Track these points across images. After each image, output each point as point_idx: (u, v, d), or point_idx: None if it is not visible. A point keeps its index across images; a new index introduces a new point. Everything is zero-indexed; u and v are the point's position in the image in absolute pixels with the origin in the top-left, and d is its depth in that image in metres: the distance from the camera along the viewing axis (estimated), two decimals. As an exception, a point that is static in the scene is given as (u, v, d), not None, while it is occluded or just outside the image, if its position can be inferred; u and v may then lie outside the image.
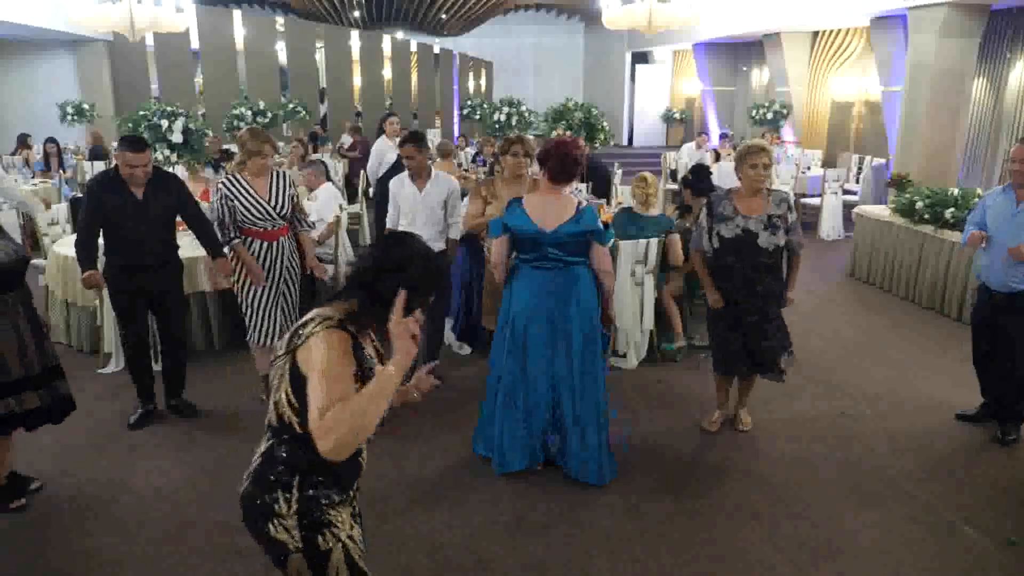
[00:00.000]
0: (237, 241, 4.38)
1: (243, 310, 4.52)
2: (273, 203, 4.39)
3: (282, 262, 4.49)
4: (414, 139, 4.79)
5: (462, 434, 4.29)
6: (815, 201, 10.65)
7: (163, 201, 4.20)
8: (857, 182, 11.40)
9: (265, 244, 4.43)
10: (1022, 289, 4.02)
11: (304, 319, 1.90)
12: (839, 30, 13.49)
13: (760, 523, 3.45)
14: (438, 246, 4.81)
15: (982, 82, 10.47)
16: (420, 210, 4.74)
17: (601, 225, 3.71)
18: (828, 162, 13.15)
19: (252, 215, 4.35)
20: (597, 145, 8.09)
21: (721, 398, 4.41)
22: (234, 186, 4.35)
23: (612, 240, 4.17)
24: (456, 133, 17.95)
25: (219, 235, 4.37)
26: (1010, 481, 3.85)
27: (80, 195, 8.68)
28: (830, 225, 10.27)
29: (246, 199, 4.34)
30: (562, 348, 3.67)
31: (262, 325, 4.50)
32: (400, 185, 4.81)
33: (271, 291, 4.48)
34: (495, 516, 3.49)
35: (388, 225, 4.91)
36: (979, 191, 6.89)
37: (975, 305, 4.48)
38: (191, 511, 3.53)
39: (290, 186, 4.51)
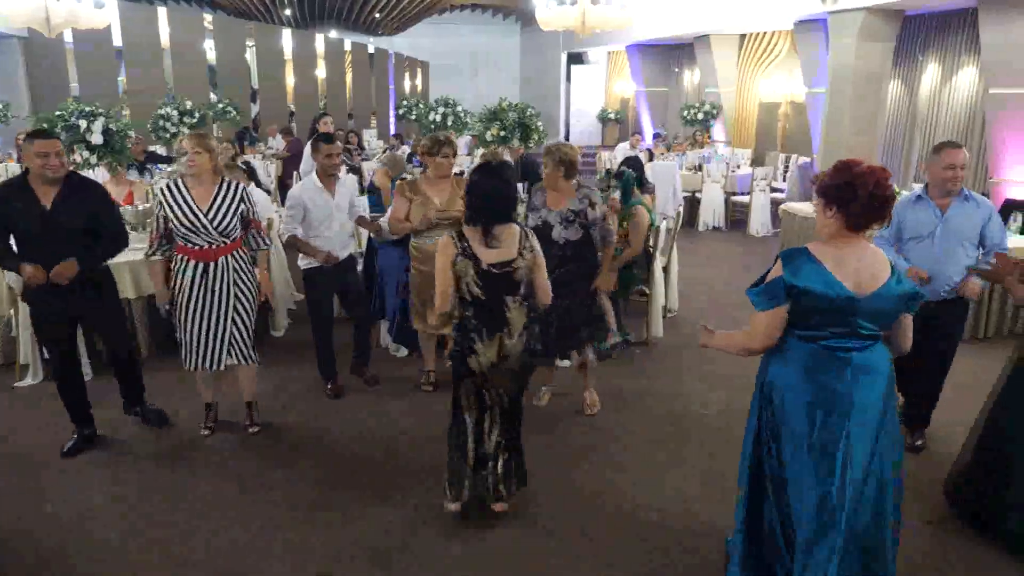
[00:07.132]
0: (158, 257, 3.97)
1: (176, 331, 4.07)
2: (211, 216, 3.88)
3: (222, 284, 3.96)
4: (330, 139, 4.55)
5: (398, 434, 4.28)
6: (744, 199, 10.99)
7: (74, 212, 3.73)
8: (784, 180, 11.80)
9: (200, 265, 3.91)
10: (953, 297, 4.05)
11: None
12: (765, 33, 13.91)
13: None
14: (348, 251, 4.68)
15: (897, 84, 10.96)
16: (335, 216, 4.52)
17: None
18: (757, 161, 13.55)
19: (185, 228, 3.84)
20: (531, 145, 8.16)
21: (548, 377, 4.78)
22: (170, 193, 3.86)
23: None
24: (392, 133, 17.81)
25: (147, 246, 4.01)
26: (921, 465, 4.03)
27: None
28: (759, 222, 10.61)
29: (180, 209, 3.85)
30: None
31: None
32: (311, 192, 4.43)
33: (207, 315, 3.96)
34: (442, 511, 3.49)
35: (287, 231, 4.44)
36: (896, 188, 7.19)
37: None
38: (123, 527, 3.42)
39: (242, 200, 3.97)
